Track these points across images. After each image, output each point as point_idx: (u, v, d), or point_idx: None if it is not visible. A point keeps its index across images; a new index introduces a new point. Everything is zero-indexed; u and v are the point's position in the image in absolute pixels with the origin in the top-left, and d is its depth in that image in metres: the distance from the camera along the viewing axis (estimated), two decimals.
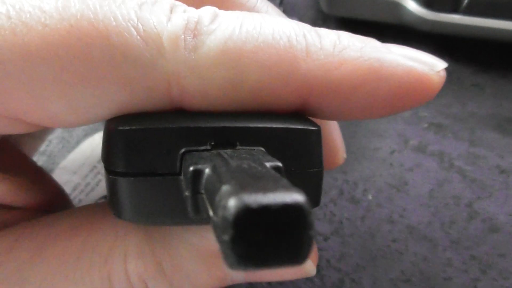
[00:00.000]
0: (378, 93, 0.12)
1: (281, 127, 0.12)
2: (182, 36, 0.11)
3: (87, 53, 0.10)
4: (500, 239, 0.21)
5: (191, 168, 0.10)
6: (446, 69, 0.12)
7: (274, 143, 0.12)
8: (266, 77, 0.12)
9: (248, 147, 0.12)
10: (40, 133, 0.21)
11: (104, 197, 0.21)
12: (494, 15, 0.24)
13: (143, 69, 0.11)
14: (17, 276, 0.13)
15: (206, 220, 0.10)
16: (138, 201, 0.12)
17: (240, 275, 0.14)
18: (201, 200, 0.11)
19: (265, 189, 0.08)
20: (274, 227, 0.08)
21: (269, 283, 0.21)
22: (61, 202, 0.18)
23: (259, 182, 0.09)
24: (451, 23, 0.25)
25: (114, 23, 0.11)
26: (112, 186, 0.12)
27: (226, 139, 0.12)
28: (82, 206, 0.16)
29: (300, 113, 0.13)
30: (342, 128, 0.21)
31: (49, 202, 0.17)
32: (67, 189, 0.22)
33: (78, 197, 0.22)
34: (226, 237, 0.08)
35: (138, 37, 0.11)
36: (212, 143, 0.12)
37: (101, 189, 0.22)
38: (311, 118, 0.13)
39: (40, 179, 0.17)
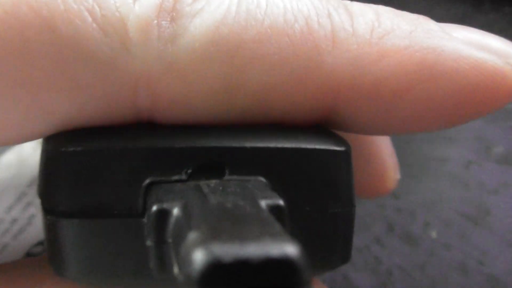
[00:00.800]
0: (434, 98, 0.12)
1: (292, 148, 0.12)
2: (155, 21, 0.11)
3: (25, 49, 0.10)
4: None
5: (154, 208, 0.10)
6: None
7: (281, 171, 0.12)
8: (274, 77, 0.11)
9: (242, 177, 0.12)
10: None
11: (41, 243, 0.18)
12: None
13: (99, 70, 0.11)
14: None
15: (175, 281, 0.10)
16: (86, 253, 0.11)
17: None
18: (167, 252, 0.10)
19: (244, 238, 0.08)
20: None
21: None
22: None
23: (240, 228, 0.08)
24: None
25: (62, 7, 0.10)
26: (50, 231, 0.12)
27: (210, 165, 0.11)
28: (6, 263, 0.15)
29: (322, 126, 0.13)
30: None
31: None
32: None
33: (0, 240, 0.18)
34: None
35: (94, 25, 0.10)
36: (189, 171, 0.11)
37: (36, 229, 0.18)
38: (336, 132, 0.13)
39: None
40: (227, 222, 0.09)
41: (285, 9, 0.11)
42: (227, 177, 0.11)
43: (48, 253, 0.12)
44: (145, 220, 0.11)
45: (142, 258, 0.11)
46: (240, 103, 0.12)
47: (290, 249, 0.07)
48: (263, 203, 0.10)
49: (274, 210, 0.10)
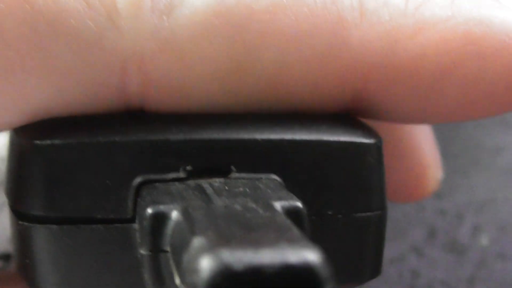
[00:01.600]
0: (481, 79, 0.11)
1: (311, 140, 0.12)
2: None
3: None
4: None
5: (149, 211, 0.10)
6: None
7: (299, 167, 0.12)
8: (291, 56, 0.11)
9: (251, 175, 0.11)
10: None
11: (3, 257, 0.18)
12: None
13: (82, 48, 0.10)
14: None
15: None
16: (66, 264, 0.11)
17: None
18: (165, 262, 0.10)
19: (257, 243, 0.08)
20: None
21: None
22: None
23: (252, 233, 0.08)
24: None
25: None
26: (23, 239, 0.11)
27: (213, 161, 0.11)
28: None
29: (348, 115, 0.13)
30: None
31: None
32: None
33: None
34: None
35: None
36: (188, 168, 0.11)
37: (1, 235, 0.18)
38: (364, 122, 0.13)
39: None
40: (237, 227, 0.09)
41: None
42: (233, 175, 0.11)
43: (20, 265, 0.12)
44: (135, 225, 0.11)
45: (130, 270, 0.11)
46: (250, 87, 0.11)
47: (310, 255, 0.07)
48: (278, 205, 0.10)
49: (291, 213, 0.10)
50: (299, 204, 0.10)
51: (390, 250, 0.16)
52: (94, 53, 0.10)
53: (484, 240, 0.21)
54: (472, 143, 0.23)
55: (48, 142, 0.11)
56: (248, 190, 0.11)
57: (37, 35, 0.10)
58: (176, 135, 0.11)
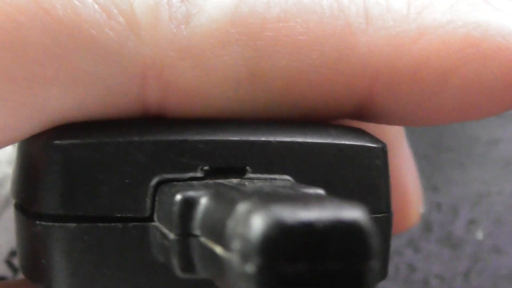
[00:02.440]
0: (481, 80, 0.11)
1: (323, 143, 0.12)
2: (165, 0, 0.11)
3: (16, 36, 0.10)
4: None
5: (178, 197, 0.10)
6: None
7: (310, 169, 0.12)
8: (302, 62, 0.11)
9: (266, 176, 0.11)
10: None
11: (13, 253, 0.18)
12: None
13: (102, 58, 0.10)
14: None
15: (201, 284, 0.11)
16: (83, 264, 0.11)
17: None
18: (195, 246, 0.10)
19: (306, 203, 0.08)
20: (320, 255, 0.08)
21: None
22: None
23: (295, 199, 0.09)
24: None
25: None
26: (39, 239, 0.11)
27: (229, 161, 0.11)
28: None
29: (353, 127, 0.13)
30: None
31: None
32: None
33: None
34: (248, 270, 0.07)
35: (96, 6, 0.10)
36: (205, 168, 0.11)
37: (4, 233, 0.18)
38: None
39: None
40: (278, 196, 0.09)
41: None
42: (248, 175, 0.11)
43: (33, 268, 0.12)
44: (154, 224, 0.11)
45: (147, 269, 0.11)
46: (264, 92, 0.11)
47: (358, 212, 0.07)
48: (304, 190, 0.10)
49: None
50: (321, 191, 0.10)
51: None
52: (114, 62, 0.11)
53: (479, 234, 0.21)
54: (467, 136, 0.23)
55: (68, 141, 0.11)
56: (268, 184, 0.11)
57: (58, 45, 0.10)
58: (194, 136, 0.11)
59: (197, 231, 0.10)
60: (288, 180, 0.11)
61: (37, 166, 0.11)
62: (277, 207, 0.07)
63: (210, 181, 0.11)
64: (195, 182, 0.11)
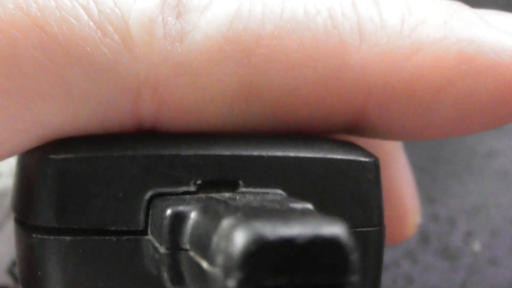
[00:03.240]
0: (474, 96, 0.12)
1: (314, 157, 0.12)
2: (160, 17, 0.11)
3: (12, 53, 0.10)
4: None
5: (168, 211, 0.10)
6: None
7: (302, 183, 0.12)
8: (296, 79, 0.11)
9: (258, 190, 0.12)
10: None
11: (15, 263, 0.18)
12: None
13: (97, 75, 0.11)
14: None
15: None
16: (78, 274, 0.11)
17: None
18: (184, 260, 0.10)
19: (287, 218, 0.08)
20: (299, 269, 0.08)
21: None
22: None
23: (278, 214, 0.09)
24: None
25: (53, 4, 0.10)
26: (35, 251, 0.12)
27: (221, 175, 0.12)
28: None
29: (345, 141, 0.13)
30: None
31: None
32: None
33: None
34: (230, 285, 0.08)
35: (91, 24, 0.10)
36: (198, 182, 0.11)
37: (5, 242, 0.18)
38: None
39: None
40: (262, 211, 0.10)
41: (305, 0, 0.12)
42: (241, 189, 0.11)
43: (29, 279, 0.12)
44: (147, 237, 0.11)
45: (140, 281, 0.11)
46: (257, 109, 0.12)
47: (338, 228, 0.08)
48: (292, 205, 0.10)
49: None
50: (309, 206, 0.10)
51: (383, 256, 0.16)
52: (109, 79, 0.11)
53: (476, 246, 0.21)
54: (464, 148, 0.23)
55: (63, 156, 0.11)
56: (259, 199, 0.11)
57: (53, 62, 0.10)
58: (187, 150, 0.12)
59: (186, 245, 0.10)
60: (280, 194, 0.12)
61: (33, 180, 0.12)
62: (259, 223, 0.08)
63: (202, 195, 0.11)
64: (187, 196, 0.11)
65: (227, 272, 0.08)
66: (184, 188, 0.11)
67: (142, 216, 0.11)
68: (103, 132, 0.12)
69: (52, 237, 0.11)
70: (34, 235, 0.11)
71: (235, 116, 0.12)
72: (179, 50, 0.11)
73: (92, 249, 0.11)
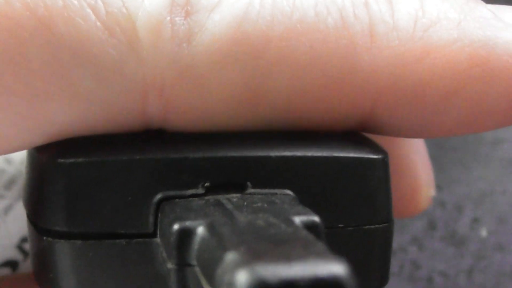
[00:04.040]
0: (486, 99, 0.12)
1: (322, 156, 0.12)
2: (168, 18, 0.11)
3: (19, 52, 0.10)
4: None
5: (175, 227, 0.10)
6: None
7: (311, 183, 0.12)
8: (305, 81, 0.11)
9: (266, 190, 0.12)
10: None
11: (13, 263, 0.18)
12: None
13: (104, 75, 0.11)
14: None
15: None
16: (89, 279, 0.12)
17: None
18: (191, 275, 0.11)
19: (288, 257, 0.08)
20: None
21: None
22: None
23: (281, 247, 0.09)
24: None
25: (61, 4, 0.10)
26: (46, 253, 0.12)
27: (230, 177, 0.12)
28: None
29: (355, 132, 0.13)
30: None
31: None
32: None
33: None
34: None
35: (98, 24, 0.10)
36: (206, 185, 0.11)
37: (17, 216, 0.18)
38: (370, 136, 0.13)
39: None
40: (265, 242, 0.09)
41: (316, 0, 0.11)
42: (249, 190, 0.11)
43: (43, 278, 0.12)
44: (156, 240, 0.11)
45: (150, 283, 0.11)
46: (266, 111, 0.11)
47: (338, 268, 0.08)
48: (298, 220, 0.10)
49: (310, 227, 0.10)
50: (316, 218, 0.10)
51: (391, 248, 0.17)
52: (115, 80, 0.11)
53: (483, 232, 0.21)
54: (471, 136, 0.23)
55: (71, 160, 0.11)
56: (266, 205, 0.11)
57: (60, 62, 0.10)
58: (194, 153, 0.12)
59: (193, 261, 0.10)
60: (288, 194, 0.12)
61: (42, 184, 0.12)
62: (261, 265, 0.08)
63: (210, 198, 0.11)
64: (196, 200, 0.11)
65: None
66: (192, 191, 0.11)
67: (151, 219, 0.11)
68: (111, 131, 0.12)
69: (62, 241, 0.11)
70: (44, 238, 0.12)
71: (243, 118, 0.12)
72: (186, 51, 0.11)
73: (103, 252, 0.12)
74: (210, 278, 0.09)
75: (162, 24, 0.11)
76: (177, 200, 0.11)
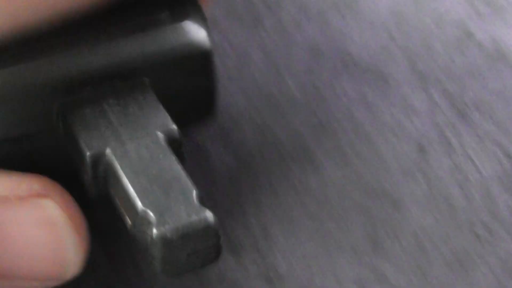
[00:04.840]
0: None
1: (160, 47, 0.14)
2: None
3: None
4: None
5: (88, 154, 0.12)
6: None
7: (157, 71, 0.14)
8: None
9: (130, 82, 0.13)
10: None
11: None
12: None
13: None
14: None
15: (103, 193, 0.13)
16: None
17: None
18: (102, 181, 0.13)
19: (181, 217, 0.11)
20: (191, 246, 0.11)
21: None
22: None
23: (171, 195, 0.12)
24: None
25: None
26: None
27: (100, 76, 0.13)
28: None
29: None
30: None
31: None
32: None
33: None
34: (153, 255, 0.11)
35: None
36: (90, 88, 0.13)
37: None
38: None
39: None
40: (160, 195, 0.12)
41: None
42: (120, 84, 0.13)
43: None
44: (59, 135, 0.13)
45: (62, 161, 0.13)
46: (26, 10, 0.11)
47: (211, 220, 0.11)
48: (162, 137, 0.12)
49: (172, 141, 0.13)
50: (175, 131, 0.13)
51: None
52: None
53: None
54: None
55: None
56: (137, 113, 0.13)
57: None
58: (53, 65, 0.13)
59: (101, 174, 0.13)
60: (145, 82, 0.13)
61: None
62: (167, 228, 0.11)
63: (98, 101, 0.13)
64: (90, 110, 0.13)
65: (151, 251, 0.11)
66: (84, 94, 0.13)
67: (54, 119, 0.13)
68: None
69: None
70: None
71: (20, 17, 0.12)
72: None
73: (7, 154, 0.13)
74: (128, 212, 0.12)
75: None
76: (73, 104, 0.13)
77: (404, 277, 0.15)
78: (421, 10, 0.22)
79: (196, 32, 0.14)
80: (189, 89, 0.14)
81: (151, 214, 0.11)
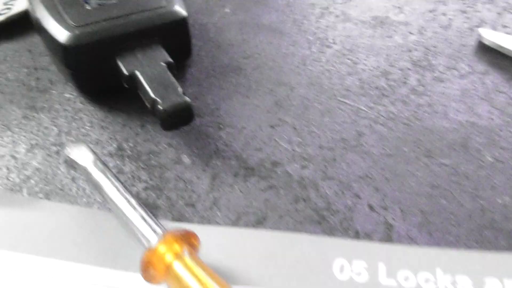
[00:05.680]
0: None
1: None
2: None
3: None
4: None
5: (126, 74, 0.22)
6: None
7: (159, 34, 0.23)
8: None
9: (148, 39, 0.23)
10: None
11: None
12: None
13: None
14: None
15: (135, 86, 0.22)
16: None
17: None
18: (133, 84, 0.22)
19: (173, 100, 0.20)
20: (180, 116, 0.21)
21: None
22: None
23: (168, 90, 0.21)
24: None
25: None
26: None
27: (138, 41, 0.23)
28: None
29: None
30: None
31: None
32: None
33: None
34: (160, 118, 0.20)
35: None
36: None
37: None
38: None
39: None
40: (163, 88, 0.20)
41: None
42: (143, 40, 0.22)
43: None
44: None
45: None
46: None
47: (188, 101, 0.21)
48: (163, 64, 0.22)
49: (169, 67, 0.22)
50: (171, 60, 0.21)
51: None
52: None
53: None
54: None
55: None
56: (151, 54, 0.22)
57: None
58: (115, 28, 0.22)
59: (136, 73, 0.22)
60: (157, 44, 0.23)
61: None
62: (168, 106, 0.20)
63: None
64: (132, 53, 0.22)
65: (163, 117, 0.20)
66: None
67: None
68: None
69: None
70: None
71: None
72: None
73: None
74: (152, 96, 0.20)
75: None
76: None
77: (297, 122, 0.25)
78: None
79: (179, 10, 0.24)
80: (177, 40, 0.24)
81: (158, 99, 0.20)
